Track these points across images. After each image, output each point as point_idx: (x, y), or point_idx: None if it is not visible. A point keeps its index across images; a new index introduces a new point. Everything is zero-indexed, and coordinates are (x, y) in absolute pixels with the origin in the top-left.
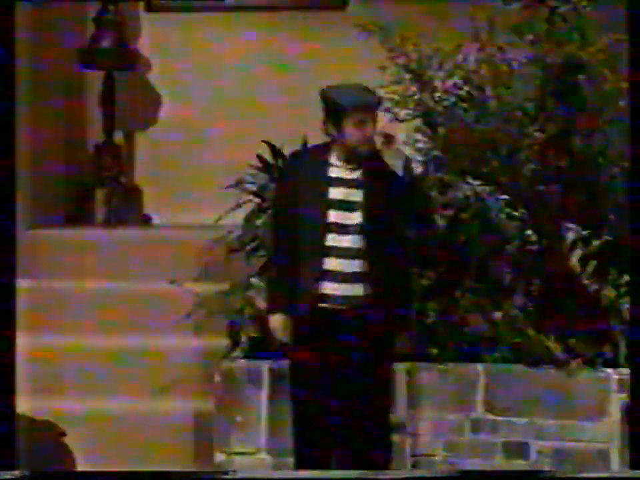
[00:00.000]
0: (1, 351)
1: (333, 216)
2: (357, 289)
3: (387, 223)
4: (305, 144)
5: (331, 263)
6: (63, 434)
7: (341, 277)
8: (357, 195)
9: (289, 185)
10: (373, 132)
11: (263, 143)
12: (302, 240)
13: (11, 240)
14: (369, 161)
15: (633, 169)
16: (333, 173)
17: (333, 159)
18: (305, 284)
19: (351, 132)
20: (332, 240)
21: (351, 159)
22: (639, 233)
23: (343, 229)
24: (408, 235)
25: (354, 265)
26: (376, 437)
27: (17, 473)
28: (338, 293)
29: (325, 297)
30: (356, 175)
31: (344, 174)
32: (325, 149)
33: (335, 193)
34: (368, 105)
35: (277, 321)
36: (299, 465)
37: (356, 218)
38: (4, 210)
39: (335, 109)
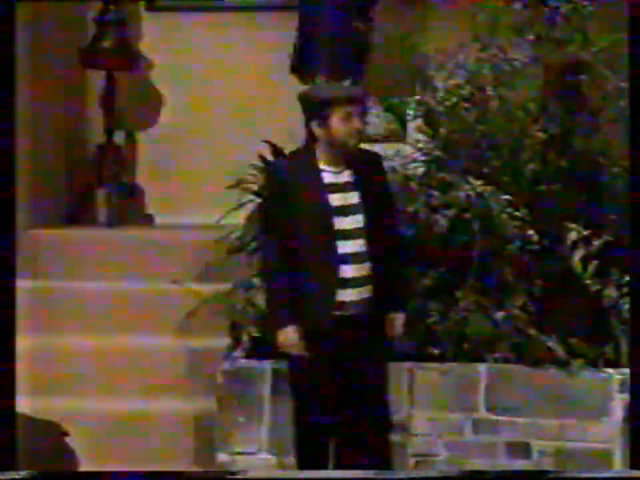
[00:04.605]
0: (2, 351)
1: (338, 223)
2: (366, 292)
3: (386, 220)
4: (283, 156)
5: (345, 270)
6: (66, 434)
7: (354, 283)
8: (354, 198)
9: (280, 198)
10: (360, 126)
11: (265, 143)
12: (307, 251)
13: (11, 240)
14: (354, 161)
15: (633, 168)
16: (327, 179)
17: (322, 164)
18: (321, 293)
19: (338, 126)
20: (342, 247)
21: (338, 158)
22: (639, 232)
23: (349, 234)
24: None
25: (363, 269)
26: (378, 437)
27: (23, 473)
28: (352, 298)
29: (340, 304)
30: (346, 177)
31: (336, 178)
32: (308, 154)
33: (334, 200)
34: (353, 96)
35: (290, 334)
36: (299, 464)
37: (358, 221)
38: (4, 210)
39: (320, 104)
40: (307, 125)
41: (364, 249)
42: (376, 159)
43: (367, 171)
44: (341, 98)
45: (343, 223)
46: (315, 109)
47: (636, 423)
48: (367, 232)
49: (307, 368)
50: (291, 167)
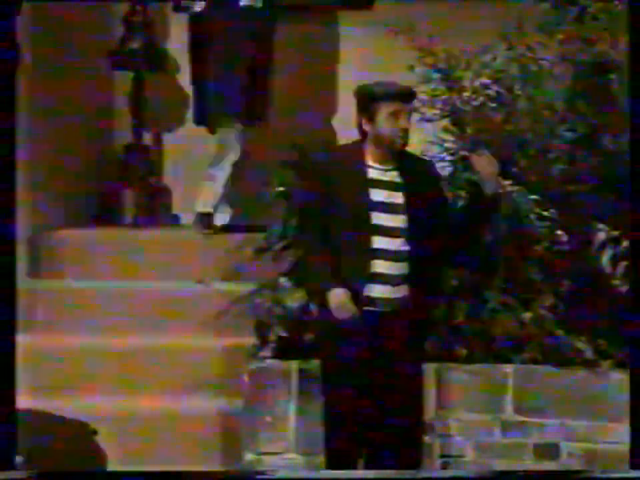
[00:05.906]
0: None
1: (377, 219)
2: (400, 291)
3: (429, 224)
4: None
5: (378, 266)
6: (95, 432)
7: (387, 280)
8: (398, 197)
9: (324, 185)
10: (407, 125)
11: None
12: (343, 242)
13: (12, 240)
14: (405, 162)
15: (633, 168)
16: (371, 174)
17: (369, 160)
18: (351, 287)
19: (385, 123)
20: (378, 243)
21: (386, 156)
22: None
23: (388, 231)
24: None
25: (399, 268)
26: (409, 437)
27: (23, 473)
28: (384, 295)
29: (370, 300)
30: (393, 175)
31: (381, 175)
32: (357, 149)
33: (376, 195)
34: (402, 94)
35: (341, 295)
36: (329, 463)
37: (400, 221)
38: (4, 210)
39: (369, 100)
40: (358, 120)
41: (402, 247)
42: (429, 165)
43: (417, 174)
44: (389, 95)
45: (382, 220)
46: (364, 104)
47: (636, 423)
48: (409, 232)
49: (337, 363)
50: (337, 158)
